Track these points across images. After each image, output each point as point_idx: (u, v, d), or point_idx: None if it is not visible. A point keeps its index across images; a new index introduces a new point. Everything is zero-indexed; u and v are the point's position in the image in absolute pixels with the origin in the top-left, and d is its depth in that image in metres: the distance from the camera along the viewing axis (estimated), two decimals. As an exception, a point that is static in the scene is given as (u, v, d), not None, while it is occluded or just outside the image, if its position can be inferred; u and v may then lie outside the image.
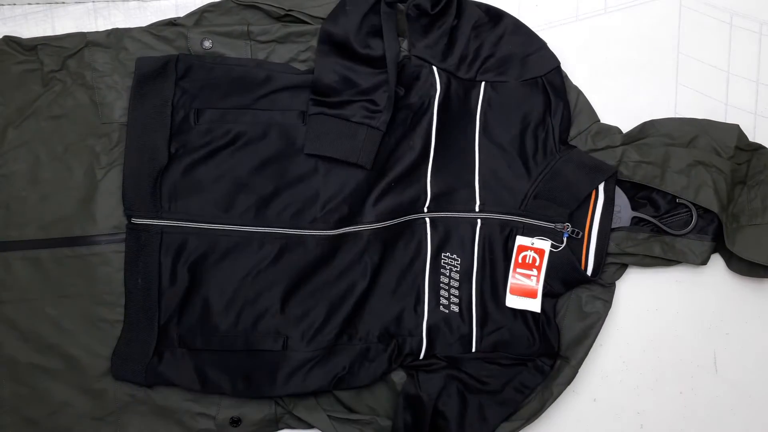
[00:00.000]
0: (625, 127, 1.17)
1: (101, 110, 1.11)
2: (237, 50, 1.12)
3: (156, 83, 1.09)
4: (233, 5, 1.14)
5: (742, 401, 1.20)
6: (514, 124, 1.12)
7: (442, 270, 1.12)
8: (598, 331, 1.13)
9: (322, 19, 1.12)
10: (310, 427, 1.11)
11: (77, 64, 1.11)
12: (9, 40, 1.11)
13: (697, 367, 1.20)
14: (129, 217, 1.08)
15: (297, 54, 1.13)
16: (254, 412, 1.11)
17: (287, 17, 1.14)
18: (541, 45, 1.13)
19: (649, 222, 1.13)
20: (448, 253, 1.12)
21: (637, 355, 1.20)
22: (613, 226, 1.13)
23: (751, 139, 1.15)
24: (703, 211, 1.14)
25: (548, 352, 1.10)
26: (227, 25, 1.12)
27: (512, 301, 1.11)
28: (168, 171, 1.09)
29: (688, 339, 1.20)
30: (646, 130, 1.16)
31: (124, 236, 1.10)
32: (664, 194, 1.14)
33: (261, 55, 1.12)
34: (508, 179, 1.12)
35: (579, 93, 1.15)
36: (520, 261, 1.11)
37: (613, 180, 1.11)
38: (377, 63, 1.09)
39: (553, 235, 1.11)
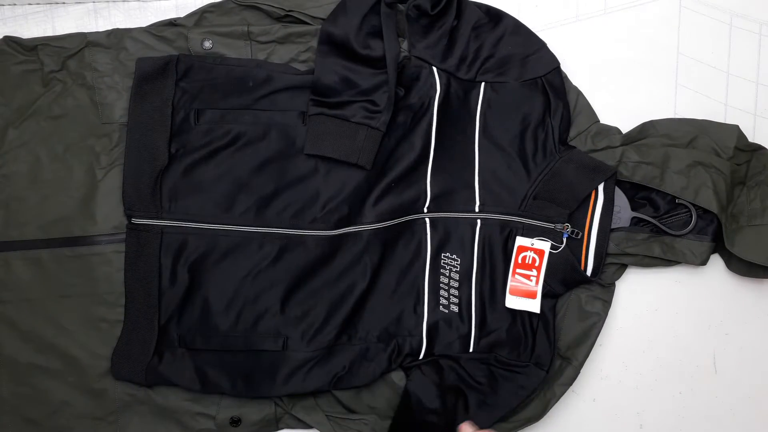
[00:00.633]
0: (625, 128, 1.17)
1: (101, 110, 1.11)
2: (237, 51, 1.12)
3: (156, 84, 1.09)
4: (233, 6, 1.14)
5: (742, 401, 1.20)
6: (514, 125, 1.12)
7: (441, 270, 1.12)
8: (599, 332, 1.13)
9: (322, 19, 1.12)
10: (310, 427, 1.11)
11: (77, 64, 1.11)
12: (9, 40, 1.11)
13: (696, 367, 1.20)
14: (129, 217, 1.08)
15: (297, 54, 1.13)
16: (254, 412, 1.11)
17: (287, 18, 1.14)
18: (540, 45, 1.13)
19: (649, 222, 1.14)
20: (447, 254, 1.12)
21: (636, 356, 1.20)
22: (613, 226, 1.13)
23: (750, 139, 1.16)
24: (703, 212, 1.14)
25: (544, 353, 1.10)
26: (227, 26, 1.12)
27: (512, 302, 1.11)
28: (168, 171, 1.09)
29: (688, 339, 1.20)
30: (645, 130, 1.16)
31: (124, 236, 1.10)
32: (664, 195, 1.14)
33: (261, 56, 1.12)
34: (507, 180, 1.12)
35: (579, 93, 1.15)
36: (519, 261, 1.11)
37: (613, 180, 1.11)
38: (377, 63, 1.09)
39: (553, 236, 1.11)
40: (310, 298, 1.10)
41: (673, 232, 1.13)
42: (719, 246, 1.15)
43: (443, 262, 1.12)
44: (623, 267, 1.16)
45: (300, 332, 1.09)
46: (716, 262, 1.18)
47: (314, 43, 1.12)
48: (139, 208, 1.08)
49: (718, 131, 1.14)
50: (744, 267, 1.14)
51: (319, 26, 1.11)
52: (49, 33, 1.15)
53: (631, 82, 1.22)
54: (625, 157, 1.13)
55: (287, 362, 1.08)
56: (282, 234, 1.09)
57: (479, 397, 1.09)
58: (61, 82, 1.11)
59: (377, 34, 1.10)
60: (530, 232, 1.12)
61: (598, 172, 1.10)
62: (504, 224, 1.12)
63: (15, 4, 1.15)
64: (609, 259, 1.14)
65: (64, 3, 1.16)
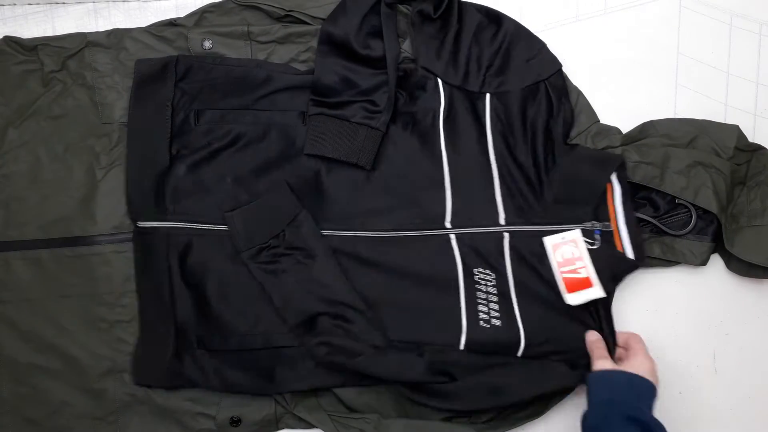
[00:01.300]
0: (625, 128, 1.17)
1: (101, 110, 1.11)
2: (237, 51, 1.12)
3: (155, 85, 1.09)
4: (233, 6, 1.14)
5: (742, 401, 1.20)
6: (524, 133, 1.11)
7: (477, 285, 1.09)
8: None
9: (323, 19, 1.12)
10: (311, 426, 1.11)
11: (77, 64, 1.11)
12: (9, 40, 1.11)
13: (696, 367, 1.20)
14: (134, 220, 1.08)
15: (297, 54, 1.13)
16: (254, 412, 1.10)
17: (287, 18, 1.14)
18: (540, 47, 1.13)
19: (649, 222, 1.13)
20: (480, 269, 1.09)
21: (636, 356, 1.19)
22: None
23: (750, 139, 1.15)
24: (703, 212, 1.14)
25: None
26: (227, 26, 1.12)
27: (573, 299, 1.08)
28: (170, 172, 1.09)
29: (688, 339, 1.20)
30: (645, 130, 1.16)
31: (124, 236, 1.10)
32: (664, 195, 1.14)
33: (261, 56, 1.12)
34: (526, 188, 1.11)
35: (579, 93, 1.15)
36: (560, 260, 1.09)
37: (623, 168, 1.11)
38: (377, 63, 1.09)
39: (585, 237, 1.10)
40: None
41: (673, 232, 1.13)
42: (719, 246, 1.15)
43: (477, 278, 1.09)
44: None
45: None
46: (716, 262, 1.18)
47: (314, 43, 1.12)
48: (143, 211, 1.08)
49: (718, 131, 1.14)
50: (744, 267, 1.14)
51: (319, 26, 1.11)
52: (49, 33, 1.15)
53: (631, 82, 1.21)
54: (625, 157, 1.12)
55: (309, 357, 1.07)
56: None
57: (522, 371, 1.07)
58: (61, 82, 1.11)
59: (377, 34, 1.10)
60: None
61: (607, 162, 1.09)
62: (532, 234, 1.10)
63: (15, 4, 1.15)
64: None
65: (64, 3, 1.16)
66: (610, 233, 1.11)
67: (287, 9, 1.13)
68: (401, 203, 1.10)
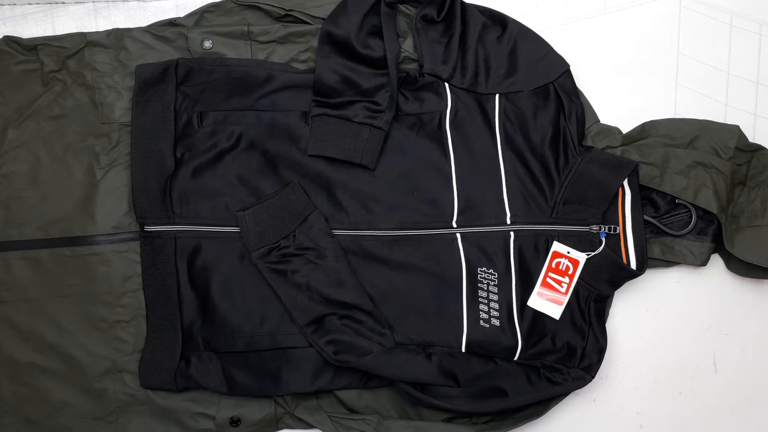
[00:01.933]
0: (625, 128, 1.17)
1: (101, 110, 1.11)
2: (237, 50, 1.12)
3: (157, 89, 1.09)
4: (233, 5, 1.14)
5: (742, 401, 1.20)
6: (533, 133, 1.11)
7: (479, 285, 1.09)
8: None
9: (323, 19, 1.12)
10: (310, 427, 1.11)
11: (77, 64, 1.11)
12: (9, 40, 1.11)
13: (696, 367, 1.20)
14: (142, 225, 1.08)
15: (297, 54, 1.13)
16: (254, 412, 1.10)
17: (287, 17, 1.14)
18: (548, 50, 1.13)
19: (649, 222, 1.13)
20: (483, 268, 1.10)
21: (636, 356, 1.20)
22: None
23: (751, 139, 1.16)
24: (703, 212, 1.14)
25: (593, 360, 1.09)
26: (227, 26, 1.12)
27: (535, 303, 1.10)
28: (176, 176, 1.09)
29: (688, 339, 1.20)
30: (646, 130, 1.16)
31: (124, 236, 1.10)
32: (664, 195, 1.14)
33: (261, 56, 1.12)
34: (535, 189, 1.11)
35: (579, 93, 1.15)
36: (553, 266, 1.10)
37: (636, 174, 1.11)
38: (378, 63, 1.09)
39: (590, 239, 1.10)
40: None
41: (673, 232, 1.13)
42: (719, 246, 1.15)
43: (480, 277, 1.10)
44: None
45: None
46: (716, 262, 1.18)
47: (314, 42, 1.12)
48: (150, 215, 1.08)
49: (719, 131, 1.14)
50: (743, 267, 1.14)
51: (319, 26, 1.11)
52: (49, 33, 1.15)
53: (631, 82, 1.22)
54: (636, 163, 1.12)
55: (316, 358, 1.08)
56: None
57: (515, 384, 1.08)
58: (61, 81, 1.11)
59: (377, 33, 1.10)
60: (566, 239, 1.10)
61: (621, 167, 1.09)
62: (538, 234, 1.11)
63: (15, 4, 1.15)
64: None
65: (64, 3, 1.16)
66: (616, 237, 1.11)
67: (287, 9, 1.13)
68: (409, 203, 1.10)
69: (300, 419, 1.10)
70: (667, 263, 1.16)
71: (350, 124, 1.08)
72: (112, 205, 1.10)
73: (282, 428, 1.13)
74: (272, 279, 1.06)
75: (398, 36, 1.13)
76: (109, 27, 1.14)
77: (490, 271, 1.10)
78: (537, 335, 1.10)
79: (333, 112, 1.09)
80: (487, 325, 1.09)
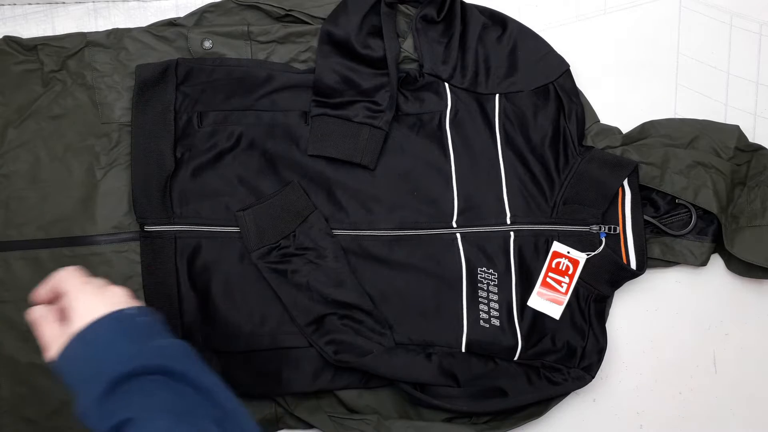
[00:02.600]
0: (625, 128, 1.17)
1: (101, 110, 1.11)
2: (237, 50, 1.12)
3: (157, 89, 1.09)
4: (233, 5, 1.14)
5: (742, 401, 1.20)
6: (533, 133, 1.11)
7: (479, 285, 1.09)
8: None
9: (323, 19, 1.12)
10: (310, 427, 1.11)
11: (77, 64, 1.11)
12: (9, 40, 1.11)
13: (696, 367, 1.20)
14: (141, 225, 1.08)
15: (297, 54, 1.13)
16: (254, 412, 1.10)
17: (287, 17, 1.14)
18: (548, 50, 1.13)
19: (649, 222, 1.13)
20: (483, 268, 1.10)
21: (636, 356, 1.20)
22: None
23: (751, 139, 1.16)
24: (703, 212, 1.14)
25: (593, 360, 1.09)
26: (227, 26, 1.12)
27: (535, 302, 1.10)
28: (176, 176, 1.09)
29: (688, 339, 1.20)
30: (646, 130, 1.16)
31: (124, 236, 1.10)
32: (664, 195, 1.14)
33: (261, 56, 1.12)
34: (535, 189, 1.11)
35: (579, 93, 1.15)
36: (553, 266, 1.10)
37: (636, 174, 1.11)
38: (378, 63, 1.09)
39: (590, 239, 1.10)
40: None
41: (673, 233, 1.13)
42: (719, 246, 1.15)
43: (480, 277, 1.10)
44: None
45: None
46: (716, 262, 1.18)
47: (314, 42, 1.12)
48: (150, 215, 1.08)
49: (719, 131, 1.14)
50: (743, 267, 1.14)
51: (319, 26, 1.11)
52: (49, 33, 1.15)
53: (631, 82, 1.22)
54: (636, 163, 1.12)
55: (316, 358, 1.08)
56: None
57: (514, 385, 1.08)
58: (61, 81, 1.11)
59: (377, 33, 1.10)
60: (566, 239, 1.10)
61: (621, 167, 1.10)
62: (538, 233, 1.11)
63: (15, 4, 1.15)
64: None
65: (64, 3, 1.16)
66: (616, 237, 1.11)
67: (287, 9, 1.13)
68: (408, 203, 1.10)
69: (300, 419, 1.10)
70: (667, 263, 1.16)
71: (350, 124, 1.08)
72: (112, 205, 1.10)
73: (282, 428, 1.13)
74: (272, 279, 1.06)
75: (398, 36, 1.13)
76: (109, 27, 1.14)
77: (490, 271, 1.10)
78: (537, 335, 1.10)
79: (333, 112, 1.09)
80: (487, 325, 1.09)
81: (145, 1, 1.17)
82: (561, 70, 1.13)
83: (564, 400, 1.12)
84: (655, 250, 1.15)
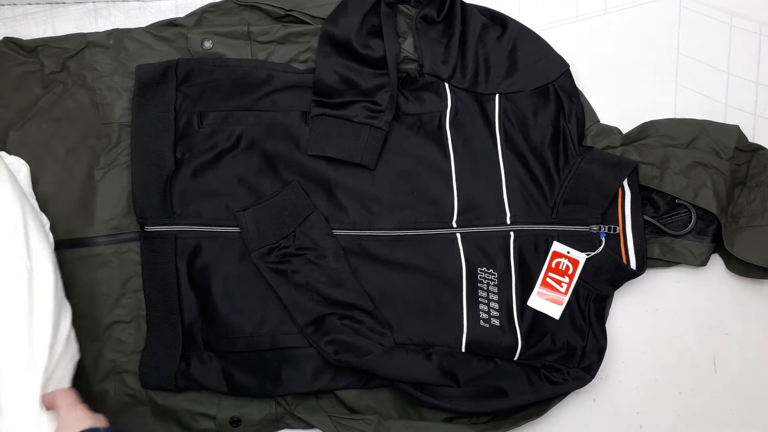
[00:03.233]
0: (625, 128, 1.17)
1: (102, 111, 1.11)
2: (237, 51, 1.12)
3: (157, 90, 1.09)
4: (233, 6, 1.14)
5: (742, 401, 1.20)
6: (533, 133, 1.11)
7: (479, 285, 1.10)
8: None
9: (323, 19, 1.12)
10: (311, 427, 1.11)
11: (77, 65, 1.11)
12: (9, 41, 1.11)
13: (696, 367, 1.20)
14: (142, 225, 1.08)
15: (297, 54, 1.13)
16: (254, 412, 1.11)
17: (287, 18, 1.14)
18: (547, 50, 1.13)
19: (649, 222, 1.13)
20: (483, 268, 1.10)
21: (636, 356, 1.20)
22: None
23: (750, 139, 1.16)
24: (703, 212, 1.14)
25: (593, 359, 1.09)
26: (227, 26, 1.12)
27: (535, 302, 1.10)
28: (176, 176, 1.09)
29: (688, 339, 1.20)
30: (645, 130, 1.16)
31: (123, 237, 1.10)
32: (664, 195, 1.14)
33: (261, 56, 1.12)
34: (535, 189, 1.11)
35: (579, 93, 1.15)
36: (553, 266, 1.10)
37: (635, 174, 1.11)
38: (378, 64, 1.09)
39: (590, 239, 1.10)
40: None
41: (673, 233, 1.14)
42: (719, 246, 1.15)
43: (480, 277, 1.10)
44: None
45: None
46: (716, 262, 1.18)
47: (314, 42, 1.12)
48: (151, 216, 1.08)
49: (718, 131, 1.14)
50: (743, 267, 1.14)
51: (319, 26, 1.11)
52: (49, 33, 1.15)
53: (631, 82, 1.22)
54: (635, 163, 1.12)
55: (316, 358, 1.08)
56: None
57: (514, 386, 1.08)
58: (62, 83, 1.11)
59: (377, 33, 1.10)
60: (566, 239, 1.10)
61: (621, 167, 1.10)
62: (538, 234, 1.11)
63: (15, 4, 1.15)
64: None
65: (64, 3, 1.16)
66: (616, 237, 1.11)
67: (287, 9, 1.13)
68: (409, 203, 1.10)
69: (300, 419, 1.10)
70: (667, 263, 1.16)
71: (350, 124, 1.08)
72: (112, 205, 1.10)
73: (282, 428, 1.13)
74: (272, 279, 1.06)
75: (398, 36, 1.13)
76: (109, 27, 1.14)
77: (490, 271, 1.10)
78: (537, 335, 1.10)
79: (333, 112, 1.09)
80: (487, 325, 1.09)
81: (145, 1, 1.17)
82: (561, 70, 1.13)
83: (564, 400, 1.12)
84: (655, 250, 1.15)
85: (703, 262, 1.15)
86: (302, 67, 1.13)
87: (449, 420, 1.11)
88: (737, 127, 1.14)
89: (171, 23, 1.13)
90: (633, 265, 1.11)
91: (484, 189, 1.11)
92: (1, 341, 0.91)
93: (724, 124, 1.15)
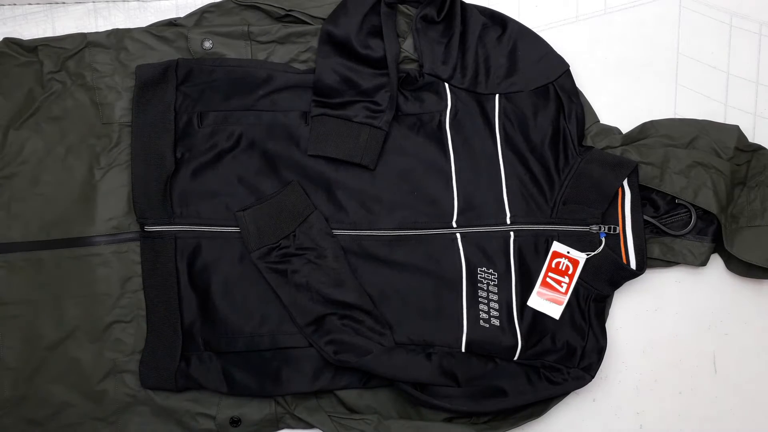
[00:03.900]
0: (625, 128, 1.17)
1: (102, 110, 1.11)
2: (237, 51, 1.12)
3: (157, 90, 1.09)
4: (233, 6, 1.14)
5: (742, 401, 1.20)
6: (533, 133, 1.11)
7: (479, 284, 1.09)
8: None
9: (323, 19, 1.12)
10: (311, 427, 1.11)
11: (77, 64, 1.11)
12: (9, 41, 1.11)
13: (696, 367, 1.20)
14: (142, 225, 1.08)
15: (297, 54, 1.13)
16: (254, 412, 1.11)
17: (287, 18, 1.14)
18: (547, 50, 1.13)
19: (649, 222, 1.13)
20: (483, 268, 1.10)
21: (636, 356, 1.20)
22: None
23: (750, 139, 1.16)
24: (703, 212, 1.14)
25: (593, 359, 1.09)
26: (227, 26, 1.12)
27: (535, 302, 1.10)
28: (176, 176, 1.09)
29: (688, 339, 1.20)
30: (645, 130, 1.16)
31: (123, 237, 1.10)
32: (664, 195, 1.14)
33: (261, 56, 1.12)
34: (535, 189, 1.11)
35: (579, 93, 1.15)
36: (553, 266, 1.10)
37: (635, 173, 1.11)
38: (378, 64, 1.09)
39: (590, 239, 1.10)
40: None
41: (672, 233, 1.14)
42: (719, 246, 1.15)
43: (480, 277, 1.10)
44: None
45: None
46: (716, 262, 1.18)
47: (314, 43, 1.12)
48: (151, 215, 1.08)
49: (718, 131, 1.14)
50: (743, 267, 1.14)
51: (319, 26, 1.11)
52: (49, 33, 1.15)
53: (631, 82, 1.22)
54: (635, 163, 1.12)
55: (316, 358, 1.08)
56: None
57: (516, 386, 1.08)
58: (61, 83, 1.11)
59: (377, 33, 1.10)
60: (566, 239, 1.10)
61: (621, 167, 1.10)
62: (538, 233, 1.11)
63: (15, 4, 1.15)
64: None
65: (64, 3, 1.16)
66: (616, 237, 1.11)
67: (287, 9, 1.13)
68: (409, 203, 1.10)
69: (300, 419, 1.10)
70: (667, 263, 1.16)
71: (350, 124, 1.08)
72: (112, 205, 1.10)
73: (282, 428, 1.13)
74: (272, 279, 1.06)
75: (398, 36, 1.13)
76: (109, 27, 1.14)
77: (490, 271, 1.10)
78: (537, 335, 1.10)
79: (333, 112, 1.09)
80: (487, 325, 1.09)
81: (145, 1, 1.17)
82: (561, 70, 1.13)
83: (564, 399, 1.12)
84: (655, 250, 1.15)
85: (703, 262, 1.15)
86: (302, 67, 1.13)
87: (449, 420, 1.11)
88: (737, 127, 1.14)
89: (171, 23, 1.14)
90: (633, 265, 1.11)
91: (484, 189, 1.11)
92: None
93: (724, 124, 1.15)
